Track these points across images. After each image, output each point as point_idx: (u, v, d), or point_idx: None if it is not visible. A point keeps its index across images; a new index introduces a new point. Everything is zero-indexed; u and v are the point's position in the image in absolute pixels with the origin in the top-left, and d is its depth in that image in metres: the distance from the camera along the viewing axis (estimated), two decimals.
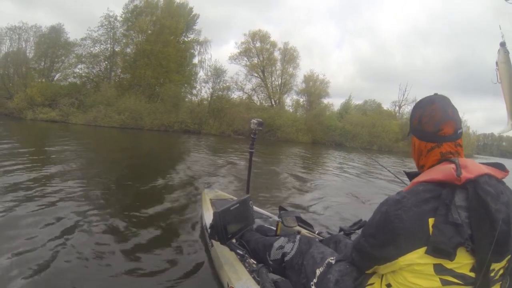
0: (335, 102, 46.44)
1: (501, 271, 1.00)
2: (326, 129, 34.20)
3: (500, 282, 1.02)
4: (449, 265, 0.95)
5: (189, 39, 32.78)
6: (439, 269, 0.96)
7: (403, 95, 43.92)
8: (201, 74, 32.31)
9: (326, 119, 35.25)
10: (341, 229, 2.09)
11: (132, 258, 2.64)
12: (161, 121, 25.90)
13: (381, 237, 1.06)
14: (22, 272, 2.20)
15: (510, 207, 0.96)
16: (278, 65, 37.82)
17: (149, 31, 28.84)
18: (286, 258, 1.66)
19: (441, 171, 1.04)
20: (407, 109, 43.59)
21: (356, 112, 42.03)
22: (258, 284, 1.69)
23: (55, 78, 30.15)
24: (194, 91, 32.06)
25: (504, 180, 1.08)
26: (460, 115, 1.21)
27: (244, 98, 36.12)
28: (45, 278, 2.19)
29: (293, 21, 79.30)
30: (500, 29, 1.32)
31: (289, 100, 39.33)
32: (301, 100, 38.76)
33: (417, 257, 0.97)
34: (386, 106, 44.96)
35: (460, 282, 0.96)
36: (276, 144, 24.29)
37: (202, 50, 32.99)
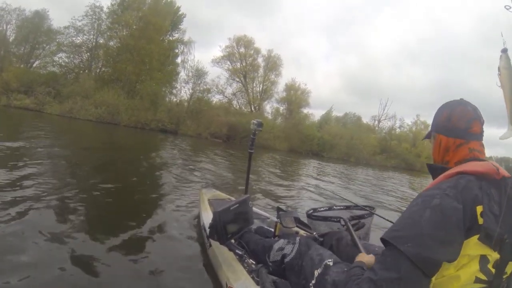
0: (318, 113, 47.03)
1: (508, 272, 1.01)
2: (304, 138, 34.37)
3: (506, 283, 1.04)
4: (491, 257, 0.96)
5: (174, 38, 32.52)
6: (483, 263, 0.96)
7: (383, 110, 44.87)
8: (182, 74, 32.14)
9: (305, 128, 35.46)
10: (345, 222, 2.02)
11: (129, 259, 2.61)
12: (138, 118, 25.56)
13: (443, 234, 0.92)
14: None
15: None
16: (261, 71, 37.82)
17: (134, 26, 28.45)
18: (286, 260, 1.68)
19: (480, 165, 1.06)
20: (387, 124, 44.73)
21: (336, 123, 42.51)
22: (257, 284, 1.71)
23: (34, 65, 29.45)
24: (174, 91, 31.85)
25: None
26: None
27: (224, 101, 36.04)
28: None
29: (285, 31, 79.39)
30: (502, 36, 1.32)
31: (269, 108, 39.39)
32: (281, 108, 38.85)
33: (470, 247, 0.95)
34: (366, 120, 45.90)
35: (485, 278, 0.97)
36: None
37: (185, 50, 32.75)
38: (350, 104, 74.36)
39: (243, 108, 37.32)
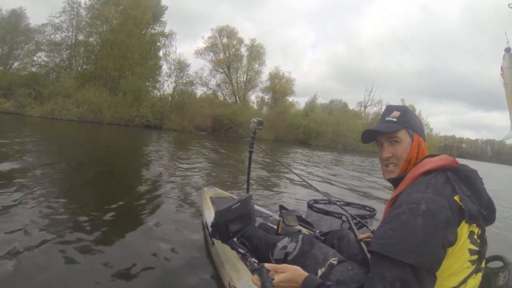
0: (304, 102, 47.23)
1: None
2: (290, 127, 34.54)
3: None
4: (475, 229, 1.05)
5: (155, 31, 31.96)
6: (471, 237, 1.04)
7: (369, 95, 45.24)
8: (165, 67, 31.76)
9: (290, 117, 35.58)
10: (347, 220, 2.03)
11: (131, 257, 2.58)
12: (122, 115, 25.34)
13: (438, 236, 0.97)
14: None
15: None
16: (244, 61, 37.79)
17: (114, 21, 27.86)
18: (289, 258, 1.69)
19: (439, 159, 1.17)
20: (373, 110, 45.09)
21: (322, 111, 42.70)
22: None
23: (13, 66, 28.69)
24: (157, 85, 31.46)
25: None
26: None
27: (208, 93, 35.93)
28: None
29: (274, 21, 79.23)
30: (506, 35, 1.34)
31: (254, 97, 39.48)
32: (266, 97, 38.99)
33: (463, 230, 1.02)
34: (352, 106, 46.34)
35: (476, 248, 1.06)
36: (238, 141, 24.04)
37: (167, 42, 32.30)
38: (337, 91, 74.88)
39: (228, 99, 37.27)
